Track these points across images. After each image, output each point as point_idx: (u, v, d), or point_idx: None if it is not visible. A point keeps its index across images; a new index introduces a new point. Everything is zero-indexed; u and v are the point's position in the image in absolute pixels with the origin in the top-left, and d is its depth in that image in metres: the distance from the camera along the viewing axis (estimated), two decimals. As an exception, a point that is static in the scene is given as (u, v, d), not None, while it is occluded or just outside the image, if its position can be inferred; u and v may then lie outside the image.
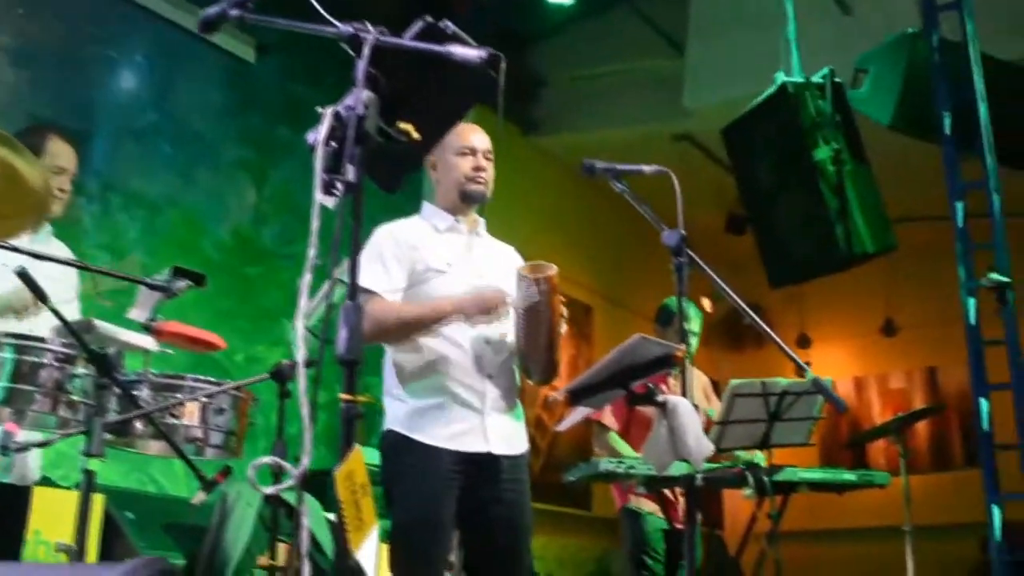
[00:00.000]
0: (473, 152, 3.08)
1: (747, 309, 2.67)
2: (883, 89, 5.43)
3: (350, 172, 1.67)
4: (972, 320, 4.74)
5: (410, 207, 3.31)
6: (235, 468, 3.32)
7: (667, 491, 4.42)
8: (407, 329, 2.92)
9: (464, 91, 1.89)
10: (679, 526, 4.55)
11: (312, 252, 1.70)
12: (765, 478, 3.86)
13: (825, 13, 6.99)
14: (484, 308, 2.87)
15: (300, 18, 1.91)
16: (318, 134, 1.71)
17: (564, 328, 2.93)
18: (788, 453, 4.49)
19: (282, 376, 3.08)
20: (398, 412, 2.96)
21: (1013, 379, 4.63)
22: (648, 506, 4.54)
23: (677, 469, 3.97)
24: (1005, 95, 5.31)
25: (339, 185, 1.63)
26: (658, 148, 8.42)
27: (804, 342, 9.86)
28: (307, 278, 1.70)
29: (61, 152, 3.74)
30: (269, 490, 2.70)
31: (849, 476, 4.29)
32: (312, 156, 1.79)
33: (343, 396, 1.70)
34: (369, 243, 3.01)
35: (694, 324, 4.74)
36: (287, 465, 2.99)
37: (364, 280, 2.80)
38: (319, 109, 1.74)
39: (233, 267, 6.23)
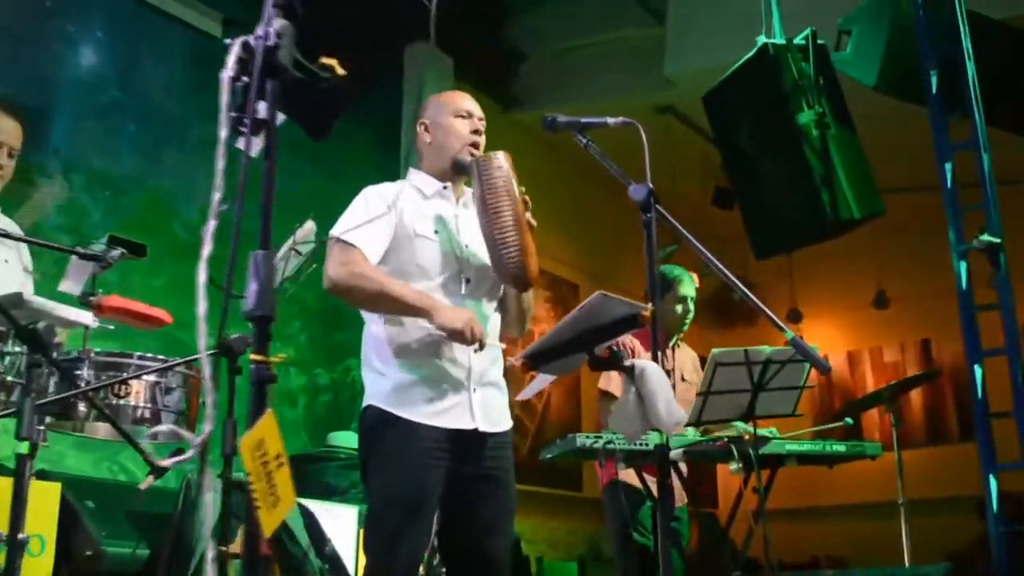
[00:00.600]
0: (470, 116, 3.00)
1: (719, 266, 2.50)
2: (867, 50, 5.25)
3: (261, 109, 1.48)
4: (964, 284, 4.58)
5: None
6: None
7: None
8: (381, 302, 2.79)
9: (395, 24, 1.68)
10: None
11: (217, 196, 1.53)
12: (751, 451, 3.69)
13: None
14: (466, 338, 2.71)
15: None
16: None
17: (531, 220, 2.83)
18: (781, 427, 4.35)
19: (231, 351, 2.89)
20: (381, 387, 2.82)
21: (1007, 344, 4.47)
22: (635, 480, 4.36)
23: (654, 440, 3.87)
24: (993, 54, 5.14)
25: (248, 123, 1.44)
26: (641, 121, 8.12)
27: (795, 317, 9.70)
28: (211, 224, 1.52)
29: (2, 126, 3.55)
30: (166, 462, 2.53)
31: (839, 447, 4.13)
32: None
33: (253, 356, 1.52)
34: (356, 199, 2.92)
35: (689, 288, 4.55)
36: (186, 433, 2.84)
37: (346, 233, 2.80)
38: (227, 41, 1.56)
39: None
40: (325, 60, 1.61)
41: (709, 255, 2.54)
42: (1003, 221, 4.67)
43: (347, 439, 5.72)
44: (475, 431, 2.79)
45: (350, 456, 5.55)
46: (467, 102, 3.03)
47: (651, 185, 2.57)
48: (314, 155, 6.63)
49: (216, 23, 6.34)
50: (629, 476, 4.23)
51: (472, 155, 2.95)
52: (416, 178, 3.03)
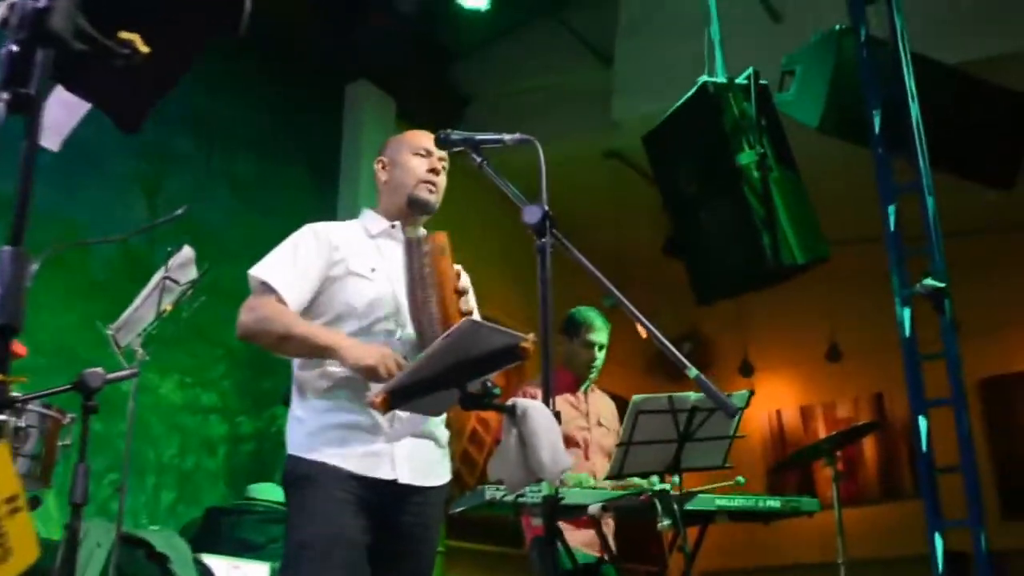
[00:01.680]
0: (428, 154, 2.89)
1: (620, 297, 2.26)
2: (810, 90, 5.11)
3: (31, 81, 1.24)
4: (907, 331, 4.38)
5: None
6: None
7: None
8: (288, 344, 2.62)
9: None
10: (598, 553, 4.11)
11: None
12: (675, 506, 3.42)
13: (755, 21, 6.72)
14: (380, 374, 2.48)
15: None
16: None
17: (465, 304, 2.62)
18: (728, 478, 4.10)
19: (87, 387, 2.61)
20: (298, 435, 2.64)
21: (954, 395, 4.25)
22: (571, 539, 4.07)
23: (581, 496, 3.60)
24: (938, 98, 5.00)
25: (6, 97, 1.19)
26: (588, 166, 8.10)
27: (747, 370, 9.49)
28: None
29: None
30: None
31: (773, 503, 3.88)
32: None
33: (-14, 376, 1.25)
34: (292, 236, 2.77)
35: (599, 334, 4.34)
36: None
37: (267, 274, 2.64)
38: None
39: (121, 287, 5.75)
40: (124, 35, 1.36)
41: (607, 282, 2.31)
42: (951, 273, 4.48)
43: (268, 491, 5.40)
44: (394, 483, 2.58)
45: (269, 509, 5.25)
46: (426, 140, 2.89)
47: (547, 207, 2.33)
48: (247, 193, 6.38)
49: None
50: (567, 536, 3.95)
51: (425, 200, 2.84)
52: (366, 218, 2.91)
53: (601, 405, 4.38)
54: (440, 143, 2.60)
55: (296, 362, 2.70)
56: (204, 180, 6.19)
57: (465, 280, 2.74)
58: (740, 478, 4.20)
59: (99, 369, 2.56)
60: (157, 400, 5.85)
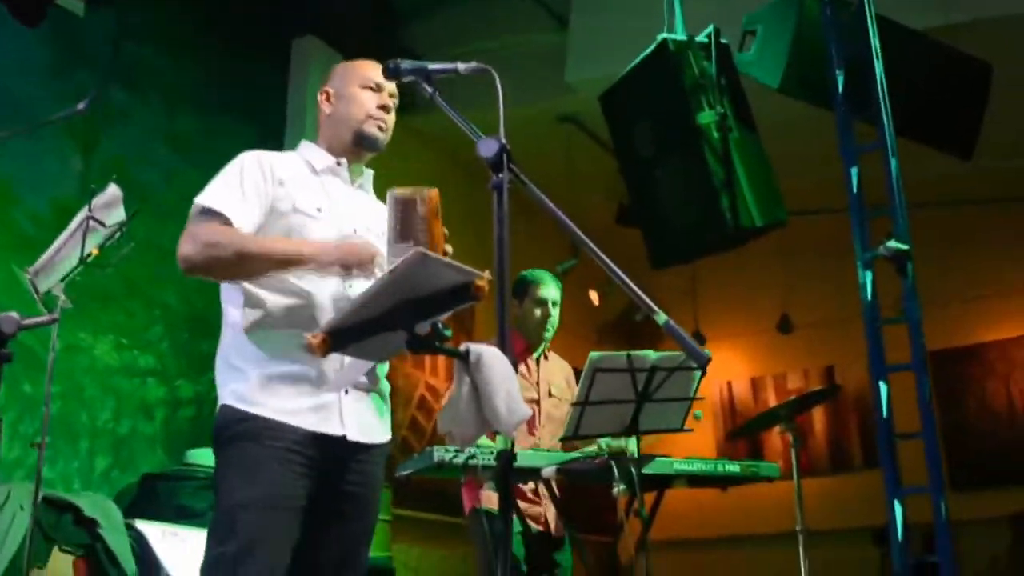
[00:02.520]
0: (379, 89, 2.67)
1: (588, 243, 2.12)
2: (771, 50, 4.98)
3: None
4: (868, 295, 4.28)
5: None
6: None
7: (523, 487, 3.84)
8: (245, 264, 2.35)
9: None
10: (542, 528, 3.98)
11: None
12: (633, 470, 3.29)
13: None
14: (349, 262, 2.33)
15: None
16: None
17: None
18: (679, 449, 3.97)
19: (2, 334, 2.40)
20: (236, 385, 2.39)
21: (914, 360, 4.17)
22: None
23: (534, 459, 3.46)
24: (903, 62, 4.90)
25: None
26: (542, 130, 7.93)
27: (698, 340, 9.41)
28: None
29: None
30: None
31: (732, 467, 3.78)
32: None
33: None
34: (231, 164, 2.51)
35: (549, 291, 4.18)
36: None
37: (212, 199, 2.38)
38: None
39: (51, 241, 5.51)
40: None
41: (578, 231, 2.16)
42: (915, 246, 4.38)
43: (208, 457, 5.18)
44: (342, 439, 2.38)
45: (209, 476, 5.05)
46: (377, 73, 2.65)
47: (504, 140, 2.17)
48: (187, 149, 6.12)
49: (79, 1, 5.81)
50: (494, 501, 3.80)
51: (373, 136, 2.64)
52: (307, 151, 2.67)
53: (554, 371, 4.22)
54: (390, 73, 2.42)
55: (237, 303, 2.45)
56: (141, 134, 5.93)
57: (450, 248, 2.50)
58: (697, 412, 4.07)
59: (13, 314, 2.36)
60: (92, 361, 5.60)
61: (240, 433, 2.33)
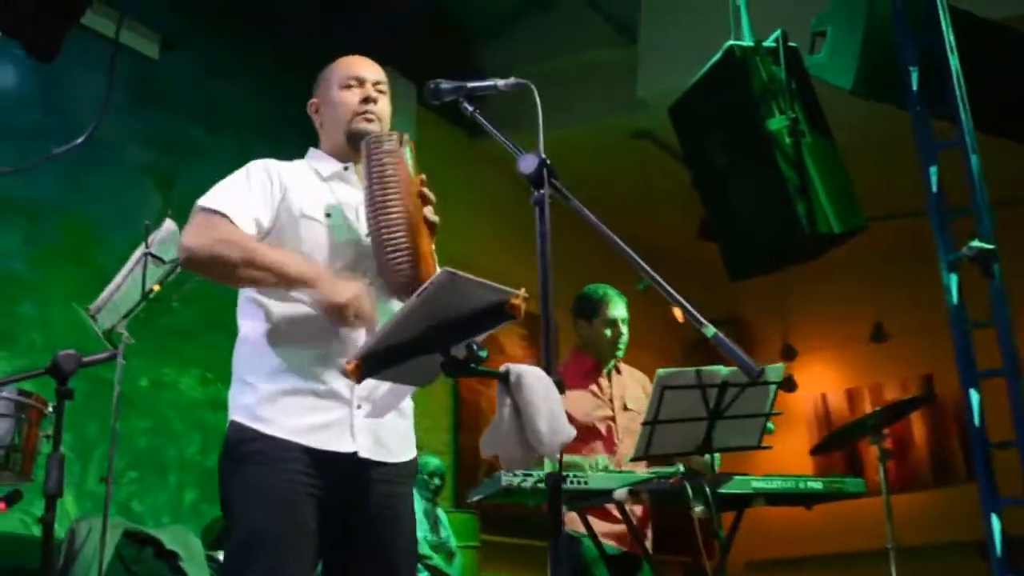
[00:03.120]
0: (360, 83, 2.59)
1: (634, 257, 2.06)
2: (842, 50, 4.82)
3: None
4: (955, 299, 4.09)
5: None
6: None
7: (611, 508, 3.75)
8: (249, 271, 2.27)
9: None
10: (626, 548, 3.89)
11: None
12: (708, 489, 3.19)
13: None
14: (346, 316, 2.24)
15: None
16: None
17: (430, 216, 2.37)
18: (771, 465, 3.83)
19: (60, 371, 2.43)
20: (245, 399, 2.32)
21: (1005, 365, 3.96)
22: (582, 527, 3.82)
23: (606, 481, 3.37)
24: (978, 53, 4.70)
25: None
26: (617, 146, 7.87)
27: (789, 353, 9.22)
28: None
29: None
30: None
31: (815, 484, 3.63)
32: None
33: None
34: (239, 170, 2.48)
35: (618, 309, 4.10)
36: None
37: (221, 202, 2.33)
38: None
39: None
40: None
41: (617, 240, 2.10)
42: (1000, 244, 4.18)
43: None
44: (354, 456, 2.29)
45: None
46: (355, 67, 2.61)
47: (544, 155, 2.12)
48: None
49: (154, 44, 5.97)
50: (578, 524, 3.73)
51: (364, 130, 2.51)
52: (314, 158, 2.61)
53: (628, 384, 4.12)
54: (430, 95, 2.39)
55: (252, 315, 2.39)
56: (218, 170, 6.04)
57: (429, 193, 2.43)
58: (769, 425, 3.95)
59: (73, 351, 2.38)
60: (178, 396, 5.72)
61: (249, 454, 2.25)
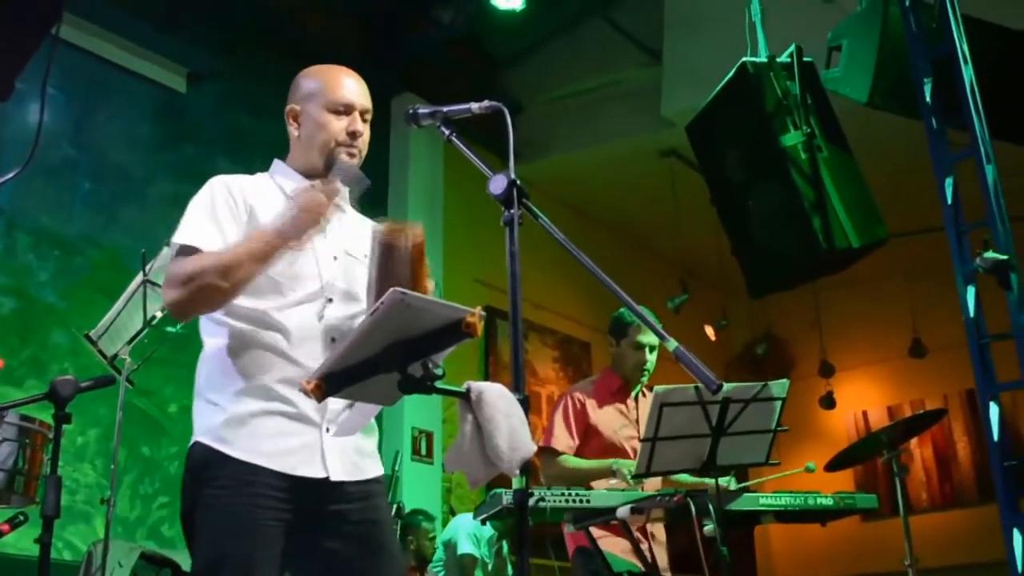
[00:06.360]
0: (349, 110, 2.48)
1: (589, 264, 2.07)
2: (857, 64, 4.80)
3: None
4: (971, 312, 4.04)
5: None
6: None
7: (634, 528, 3.74)
8: (230, 277, 2.19)
9: None
10: (639, 564, 3.86)
11: None
12: (711, 507, 3.17)
13: (807, 5, 6.43)
14: (311, 213, 2.20)
15: None
16: None
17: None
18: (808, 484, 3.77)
19: (58, 396, 2.49)
20: (210, 420, 2.24)
21: (1024, 375, 3.89)
22: (610, 546, 3.82)
23: (608, 498, 3.36)
24: (990, 59, 4.65)
25: None
26: (644, 164, 7.88)
27: (827, 371, 9.09)
28: None
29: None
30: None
31: (825, 500, 3.59)
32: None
33: None
34: (199, 194, 2.37)
35: (648, 336, 4.07)
36: None
37: (191, 236, 2.26)
38: None
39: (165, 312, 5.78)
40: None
41: (576, 250, 2.12)
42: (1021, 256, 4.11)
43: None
44: (326, 481, 2.25)
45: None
46: (346, 92, 2.48)
47: (513, 175, 2.15)
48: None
49: (181, 78, 6.12)
50: (606, 540, 3.73)
51: (344, 164, 2.43)
52: (279, 174, 2.49)
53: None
54: (408, 120, 2.41)
55: (216, 333, 2.30)
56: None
57: (432, 284, 2.30)
58: (810, 464, 3.92)
59: (71, 377, 2.44)
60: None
61: (215, 476, 2.18)
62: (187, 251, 2.26)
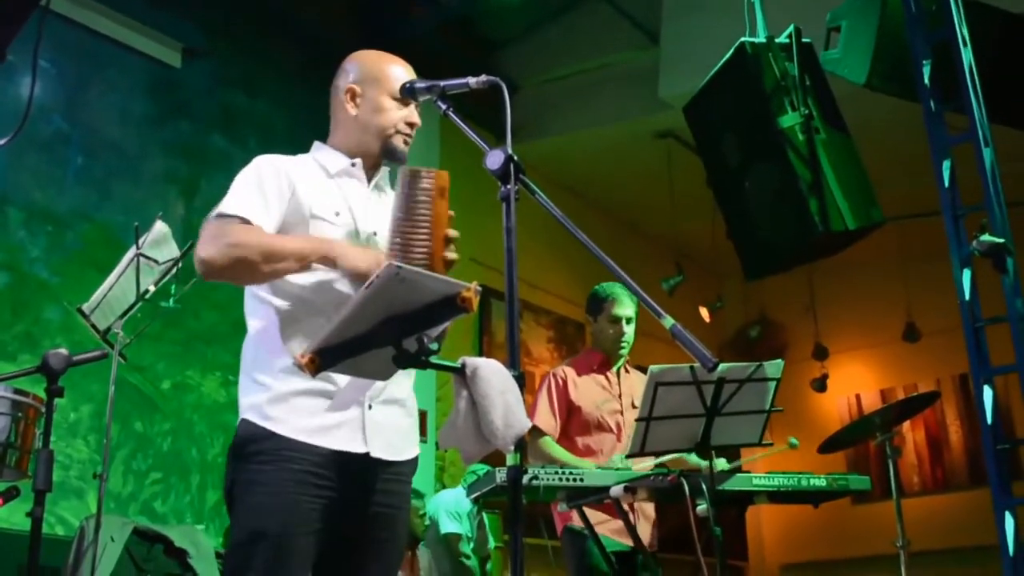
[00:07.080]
0: (408, 103, 2.57)
1: (586, 241, 2.06)
2: (856, 45, 4.78)
3: None
4: (967, 295, 4.04)
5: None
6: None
7: (625, 505, 3.74)
8: (271, 263, 2.25)
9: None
10: (631, 543, 3.87)
11: None
12: (704, 486, 3.17)
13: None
14: (364, 267, 2.22)
15: None
16: None
17: (452, 253, 2.30)
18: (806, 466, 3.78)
19: (51, 369, 2.48)
20: (256, 398, 2.31)
21: (1018, 358, 3.90)
22: (597, 524, 3.81)
23: (602, 477, 3.37)
24: (990, 42, 4.64)
25: None
26: (641, 146, 7.86)
27: (821, 354, 9.11)
28: None
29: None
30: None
31: (818, 481, 3.59)
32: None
33: None
34: (245, 170, 2.41)
35: (624, 308, 4.10)
36: None
37: (235, 205, 2.29)
38: None
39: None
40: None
41: (579, 232, 2.10)
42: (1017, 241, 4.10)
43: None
44: (366, 456, 2.30)
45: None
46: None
47: (511, 151, 2.13)
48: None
49: (176, 53, 6.07)
50: (593, 517, 3.73)
51: (400, 151, 2.52)
52: (321, 153, 2.54)
53: (635, 384, 4.13)
54: (405, 94, 2.42)
55: (262, 314, 2.38)
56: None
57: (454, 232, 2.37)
58: (792, 439, 3.92)
59: (63, 350, 2.43)
60: (200, 398, 5.81)
61: (258, 452, 2.25)
62: (225, 218, 2.29)
